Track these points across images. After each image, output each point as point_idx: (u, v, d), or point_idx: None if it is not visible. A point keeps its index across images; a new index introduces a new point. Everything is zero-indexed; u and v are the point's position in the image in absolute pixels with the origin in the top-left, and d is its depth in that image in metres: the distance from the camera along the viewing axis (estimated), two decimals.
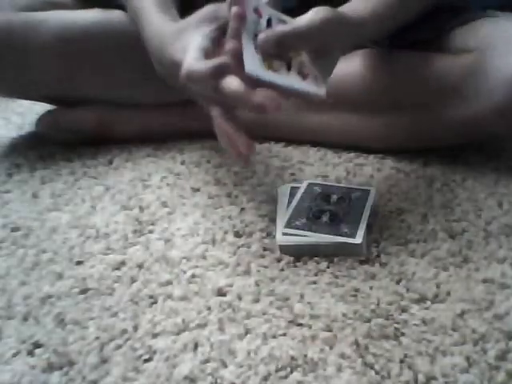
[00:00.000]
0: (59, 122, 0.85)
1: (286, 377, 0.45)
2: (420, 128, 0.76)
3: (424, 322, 0.51)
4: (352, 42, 0.66)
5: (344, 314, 0.51)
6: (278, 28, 0.56)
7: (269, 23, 0.57)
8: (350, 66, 0.78)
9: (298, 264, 0.58)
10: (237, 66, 0.52)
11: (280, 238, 0.60)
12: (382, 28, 0.69)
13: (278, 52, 0.56)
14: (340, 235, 0.59)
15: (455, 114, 0.72)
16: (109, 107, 0.84)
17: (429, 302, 0.53)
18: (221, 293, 0.54)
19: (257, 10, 0.57)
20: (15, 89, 0.83)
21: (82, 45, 0.78)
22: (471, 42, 0.73)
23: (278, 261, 0.59)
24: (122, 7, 0.81)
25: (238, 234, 0.63)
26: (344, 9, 0.63)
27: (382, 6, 0.66)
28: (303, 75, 0.57)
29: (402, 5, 0.70)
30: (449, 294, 0.54)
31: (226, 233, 0.63)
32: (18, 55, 0.77)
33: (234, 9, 0.54)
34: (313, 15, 0.57)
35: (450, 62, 0.73)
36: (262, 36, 0.55)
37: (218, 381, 0.45)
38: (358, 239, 0.58)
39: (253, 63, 0.54)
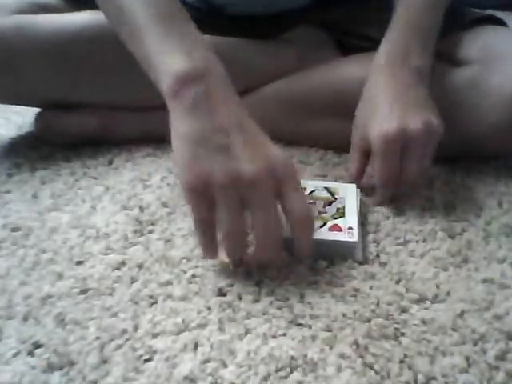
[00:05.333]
0: (54, 125, 0.84)
1: (285, 377, 0.45)
2: None
3: (424, 322, 0.51)
4: None
5: (344, 314, 0.51)
6: None
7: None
8: (354, 72, 0.77)
9: (298, 264, 0.58)
10: None
11: None
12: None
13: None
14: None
15: (453, 128, 0.70)
16: (108, 109, 0.84)
17: (428, 302, 0.53)
18: (221, 293, 0.55)
19: None
20: (8, 95, 0.81)
21: (73, 48, 0.77)
22: (472, 52, 0.73)
23: None
24: None
25: None
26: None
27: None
28: (336, 229, 0.59)
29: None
30: (448, 294, 0.54)
31: None
32: (8, 61, 0.75)
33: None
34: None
35: (451, 75, 0.73)
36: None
37: (218, 381, 0.45)
38: (354, 237, 0.58)
39: None
